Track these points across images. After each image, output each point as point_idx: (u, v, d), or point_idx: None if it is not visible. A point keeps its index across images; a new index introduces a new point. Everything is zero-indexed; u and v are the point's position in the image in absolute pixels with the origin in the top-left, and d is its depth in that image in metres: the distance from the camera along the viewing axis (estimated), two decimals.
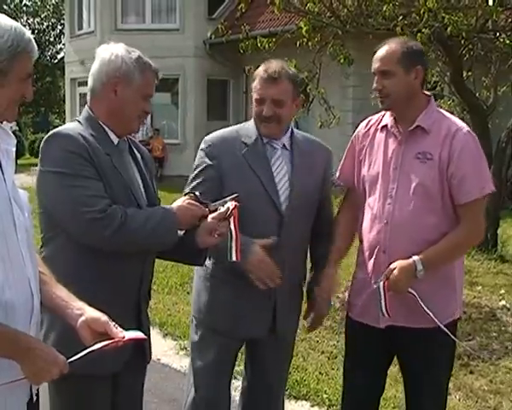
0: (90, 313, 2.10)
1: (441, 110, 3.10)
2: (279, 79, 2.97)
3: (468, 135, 2.94)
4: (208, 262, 3.04)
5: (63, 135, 2.53)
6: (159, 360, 5.40)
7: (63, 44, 29.46)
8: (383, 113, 3.14)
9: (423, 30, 6.59)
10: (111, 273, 2.58)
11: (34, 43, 2.05)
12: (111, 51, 2.63)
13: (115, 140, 2.67)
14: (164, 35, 19.06)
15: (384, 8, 6.75)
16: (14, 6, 33.95)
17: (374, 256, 3.02)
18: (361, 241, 3.14)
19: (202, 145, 3.11)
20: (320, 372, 4.98)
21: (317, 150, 3.22)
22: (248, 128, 3.13)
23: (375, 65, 2.98)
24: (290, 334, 3.28)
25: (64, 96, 26.13)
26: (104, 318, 2.09)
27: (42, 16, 34.69)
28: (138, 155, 2.83)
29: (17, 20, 2.06)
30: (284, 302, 3.10)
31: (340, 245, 3.17)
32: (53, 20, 34.52)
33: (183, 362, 5.24)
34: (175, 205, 2.66)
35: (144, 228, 2.51)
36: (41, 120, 38.69)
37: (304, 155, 3.13)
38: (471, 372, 4.98)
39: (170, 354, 5.54)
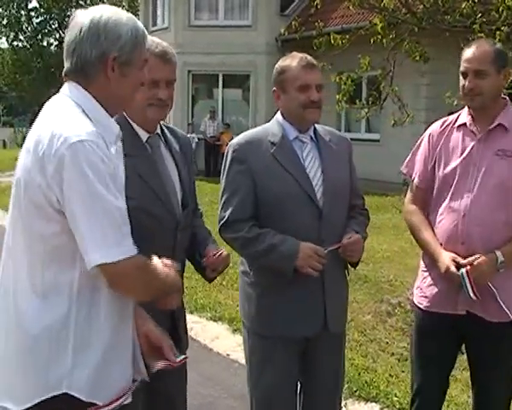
0: (151, 326, 2.28)
1: None
2: (315, 66, 3.03)
3: None
4: (246, 269, 3.15)
5: None
6: (228, 355, 5.46)
7: None
8: (459, 112, 3.18)
9: (502, 28, 6.41)
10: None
11: (146, 32, 2.13)
12: None
13: (144, 136, 2.71)
14: (236, 32, 19.16)
15: (462, 6, 6.61)
16: (90, 1, 34.71)
17: (451, 248, 3.04)
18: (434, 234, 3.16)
19: (229, 150, 3.09)
20: (390, 374, 4.92)
21: (339, 140, 3.21)
22: (273, 127, 3.10)
23: (468, 64, 3.00)
24: (340, 327, 3.23)
25: None
26: (165, 336, 2.30)
27: None
28: (177, 147, 2.86)
29: None
30: (332, 295, 3.08)
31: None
32: None
33: None
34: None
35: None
36: None
37: (329, 145, 3.12)
38: None
39: (238, 349, 5.51)
